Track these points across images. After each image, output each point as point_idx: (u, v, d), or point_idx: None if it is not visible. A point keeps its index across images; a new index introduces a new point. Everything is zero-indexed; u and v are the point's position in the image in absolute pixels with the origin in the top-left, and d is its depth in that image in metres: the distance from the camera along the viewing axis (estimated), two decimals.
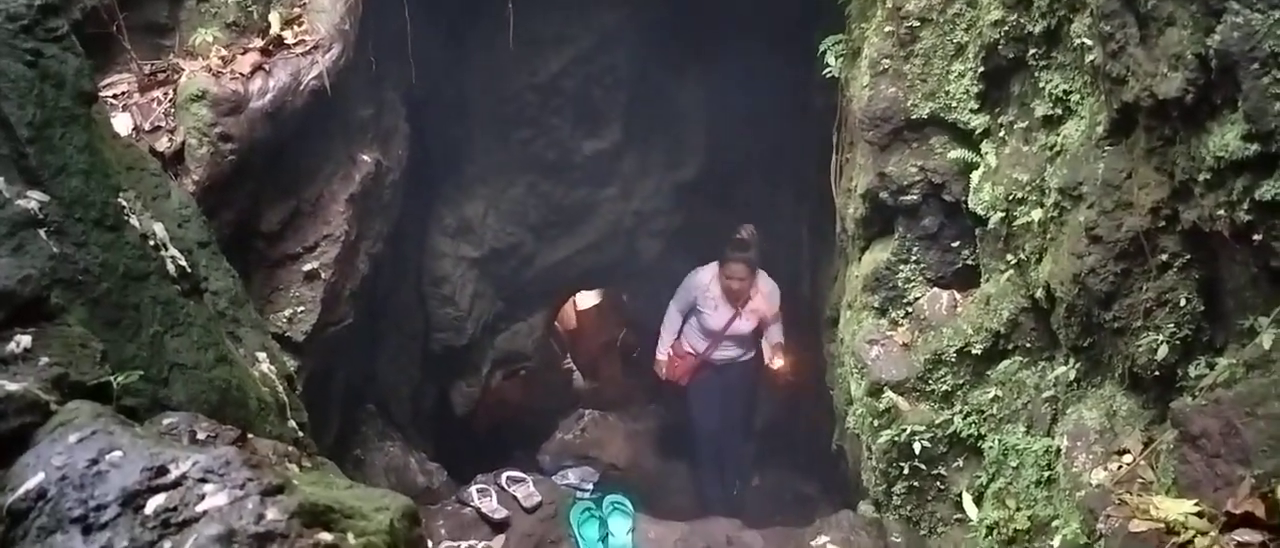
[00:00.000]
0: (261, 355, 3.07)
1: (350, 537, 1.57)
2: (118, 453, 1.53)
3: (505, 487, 5.82)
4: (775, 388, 7.05)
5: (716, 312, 6.57)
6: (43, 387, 1.77)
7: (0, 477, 1.62)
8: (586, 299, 9.05)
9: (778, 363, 6.56)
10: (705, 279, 6.56)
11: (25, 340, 1.88)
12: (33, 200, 2.28)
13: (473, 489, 5.76)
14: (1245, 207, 2.60)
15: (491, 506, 5.63)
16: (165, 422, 2.11)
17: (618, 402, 7.71)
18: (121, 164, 2.79)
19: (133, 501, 1.48)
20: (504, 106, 6.60)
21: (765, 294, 6.53)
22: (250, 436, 2.20)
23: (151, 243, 2.63)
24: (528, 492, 5.80)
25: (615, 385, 8.25)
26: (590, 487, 6.39)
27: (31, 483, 1.54)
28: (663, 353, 6.78)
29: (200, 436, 2.04)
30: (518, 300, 7.23)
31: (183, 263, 2.74)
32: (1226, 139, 2.60)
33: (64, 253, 2.31)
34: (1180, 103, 2.74)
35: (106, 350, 2.13)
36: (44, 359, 1.87)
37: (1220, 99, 2.64)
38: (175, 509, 1.46)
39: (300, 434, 3.04)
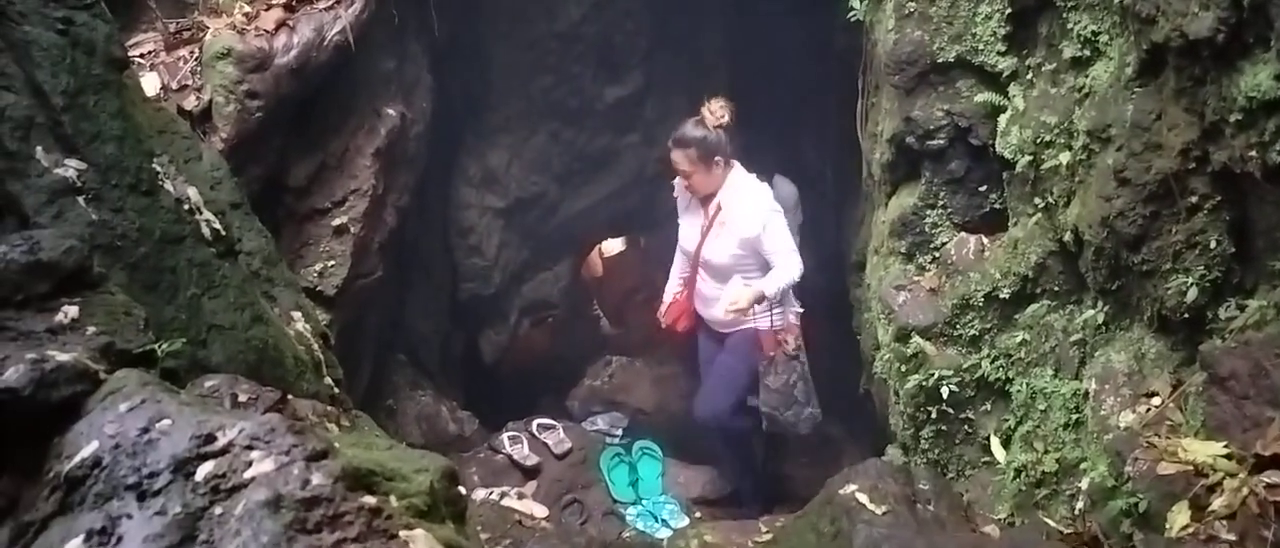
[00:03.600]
0: (296, 314, 3.12)
1: (392, 499, 1.62)
2: (167, 421, 1.58)
3: (536, 434, 5.91)
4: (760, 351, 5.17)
5: (688, 222, 5.35)
6: (91, 356, 1.82)
7: (55, 444, 1.67)
8: (612, 246, 9.07)
9: (732, 303, 4.87)
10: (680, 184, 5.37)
11: (72, 310, 1.93)
12: (70, 168, 2.32)
13: (504, 437, 5.85)
14: (1277, 147, 2.58)
15: (523, 452, 5.73)
16: (207, 385, 2.16)
17: (644, 347, 7.76)
18: (153, 128, 2.83)
19: (183, 468, 1.53)
20: (525, 55, 6.58)
21: (746, 202, 5.00)
22: (290, 396, 2.25)
23: (186, 206, 2.68)
24: (558, 438, 5.89)
25: (641, 331, 8.29)
26: (619, 432, 6.45)
27: (87, 451, 1.59)
28: (668, 295, 5.58)
29: (241, 398, 2.10)
30: (543, 249, 7.26)
31: (216, 225, 2.78)
32: (1258, 79, 2.58)
33: (102, 219, 2.35)
34: (1211, 42, 2.70)
35: (148, 316, 2.18)
36: (91, 328, 1.92)
37: (1252, 38, 2.61)
38: (224, 476, 1.51)
39: (336, 391, 3.11)
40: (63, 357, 1.74)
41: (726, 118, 5.07)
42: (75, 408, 1.71)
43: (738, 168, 5.16)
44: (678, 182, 5.37)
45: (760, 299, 4.92)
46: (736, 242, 5.04)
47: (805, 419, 5.24)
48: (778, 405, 5.15)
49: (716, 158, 5.04)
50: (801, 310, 5.33)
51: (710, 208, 5.17)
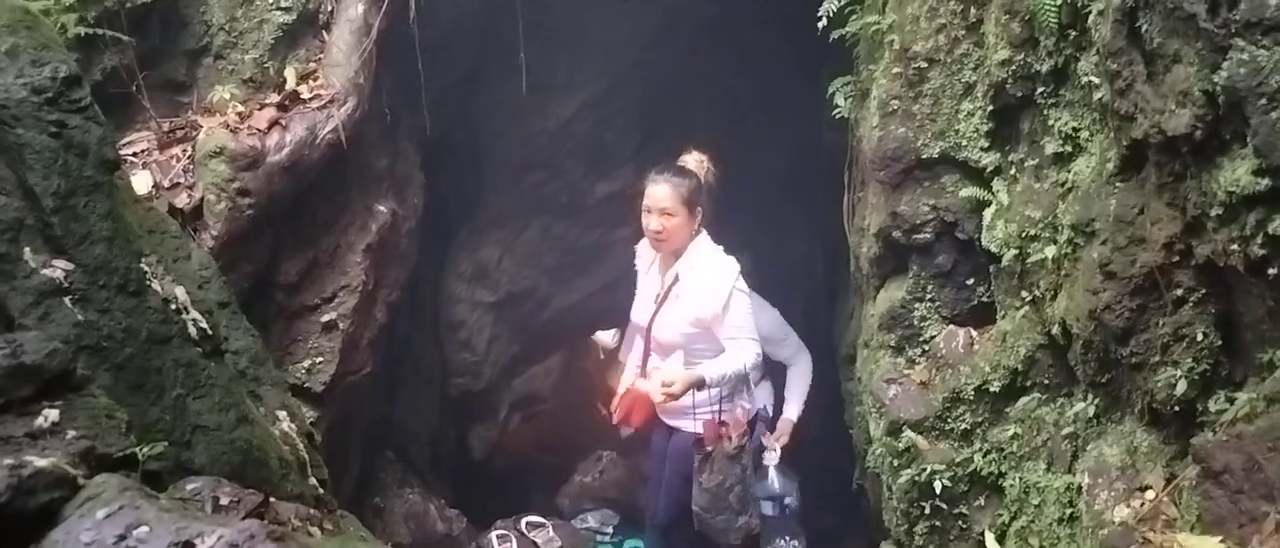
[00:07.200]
0: (282, 414, 3.10)
1: None
2: (144, 528, 1.56)
3: (525, 532, 5.84)
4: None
5: (644, 290, 4.81)
6: (70, 461, 1.80)
7: None
8: (603, 337, 9.05)
9: (665, 383, 4.27)
10: (645, 244, 4.84)
11: (53, 414, 1.91)
12: (58, 269, 2.33)
13: (493, 535, 5.78)
14: (1259, 241, 2.60)
15: None
16: (189, 487, 2.14)
17: (637, 443, 7.70)
18: (143, 228, 2.84)
19: None
20: (517, 151, 6.67)
21: (707, 277, 4.41)
22: (272, 499, 2.22)
23: (173, 306, 2.68)
24: (547, 537, 5.81)
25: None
26: (610, 530, 6.38)
27: None
28: (623, 381, 5.03)
29: (223, 501, 2.07)
30: (534, 343, 7.26)
31: (204, 325, 2.78)
32: (1237, 174, 2.61)
33: (88, 320, 2.35)
34: (1189, 139, 2.74)
35: (131, 419, 2.16)
36: (71, 433, 1.90)
37: (1229, 134, 2.64)
38: None
39: (321, 492, 3.07)
40: (41, 462, 1.72)
41: (707, 168, 4.65)
42: (53, 515, 1.68)
43: (705, 236, 4.61)
44: (642, 245, 4.93)
45: (698, 384, 4.32)
46: (689, 319, 4.47)
47: (737, 529, 4.67)
48: (707, 507, 4.57)
49: (699, 207, 4.53)
50: (754, 408, 4.91)
51: (667, 276, 4.62)
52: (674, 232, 4.51)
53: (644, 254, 4.94)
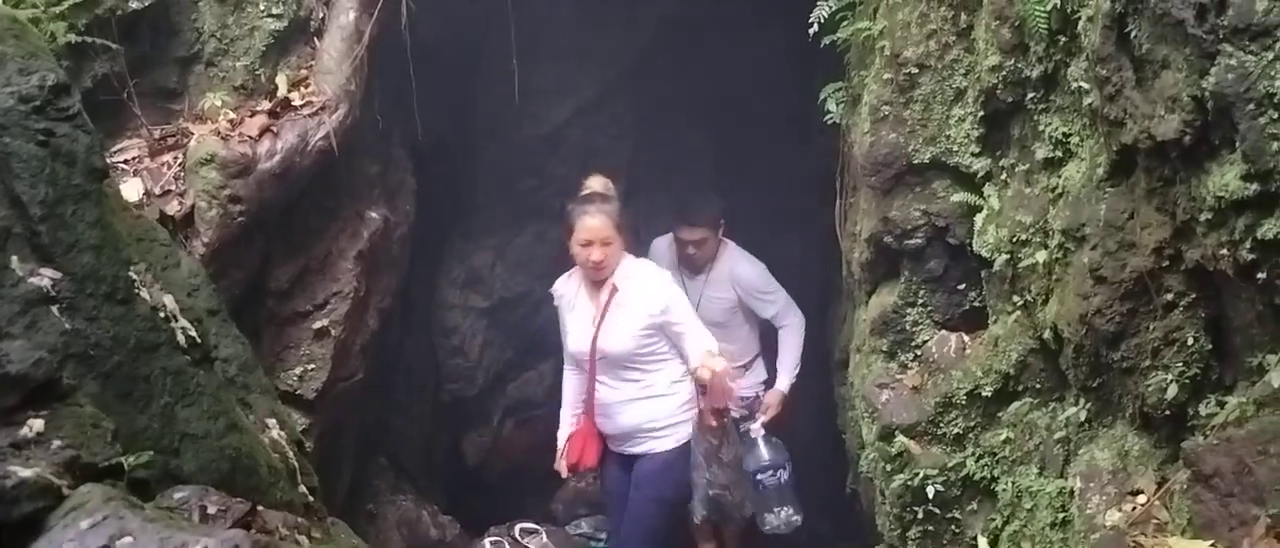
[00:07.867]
0: (271, 421, 3.09)
1: None
2: (128, 539, 1.55)
3: (518, 538, 5.83)
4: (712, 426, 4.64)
5: (576, 320, 4.76)
6: (55, 471, 1.79)
7: None
8: None
9: (710, 365, 4.34)
10: (563, 280, 4.94)
11: (38, 424, 1.91)
12: (45, 278, 2.33)
13: (486, 542, 5.78)
14: (1248, 245, 2.60)
15: None
16: (176, 497, 2.13)
17: None
18: (132, 236, 2.84)
19: None
20: (510, 157, 6.67)
21: (648, 280, 4.60)
22: (260, 508, 2.22)
23: (161, 315, 2.67)
24: (541, 543, 5.81)
25: None
26: (604, 536, 6.35)
27: None
28: (562, 432, 4.97)
29: (210, 509, 2.06)
30: (528, 349, 7.24)
31: (192, 333, 2.78)
32: (1226, 179, 2.61)
33: (76, 328, 2.35)
34: (1178, 144, 2.75)
35: (118, 428, 2.15)
36: (56, 442, 1.89)
37: (1218, 139, 2.65)
38: None
39: (310, 499, 3.06)
40: (25, 472, 1.72)
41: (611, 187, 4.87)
42: (37, 525, 1.68)
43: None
44: (559, 284, 4.97)
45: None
46: (640, 324, 4.55)
47: (753, 497, 4.88)
48: (729, 484, 4.67)
49: (625, 226, 4.67)
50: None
51: (602, 294, 4.64)
52: (613, 257, 4.61)
53: (566, 291, 4.93)
